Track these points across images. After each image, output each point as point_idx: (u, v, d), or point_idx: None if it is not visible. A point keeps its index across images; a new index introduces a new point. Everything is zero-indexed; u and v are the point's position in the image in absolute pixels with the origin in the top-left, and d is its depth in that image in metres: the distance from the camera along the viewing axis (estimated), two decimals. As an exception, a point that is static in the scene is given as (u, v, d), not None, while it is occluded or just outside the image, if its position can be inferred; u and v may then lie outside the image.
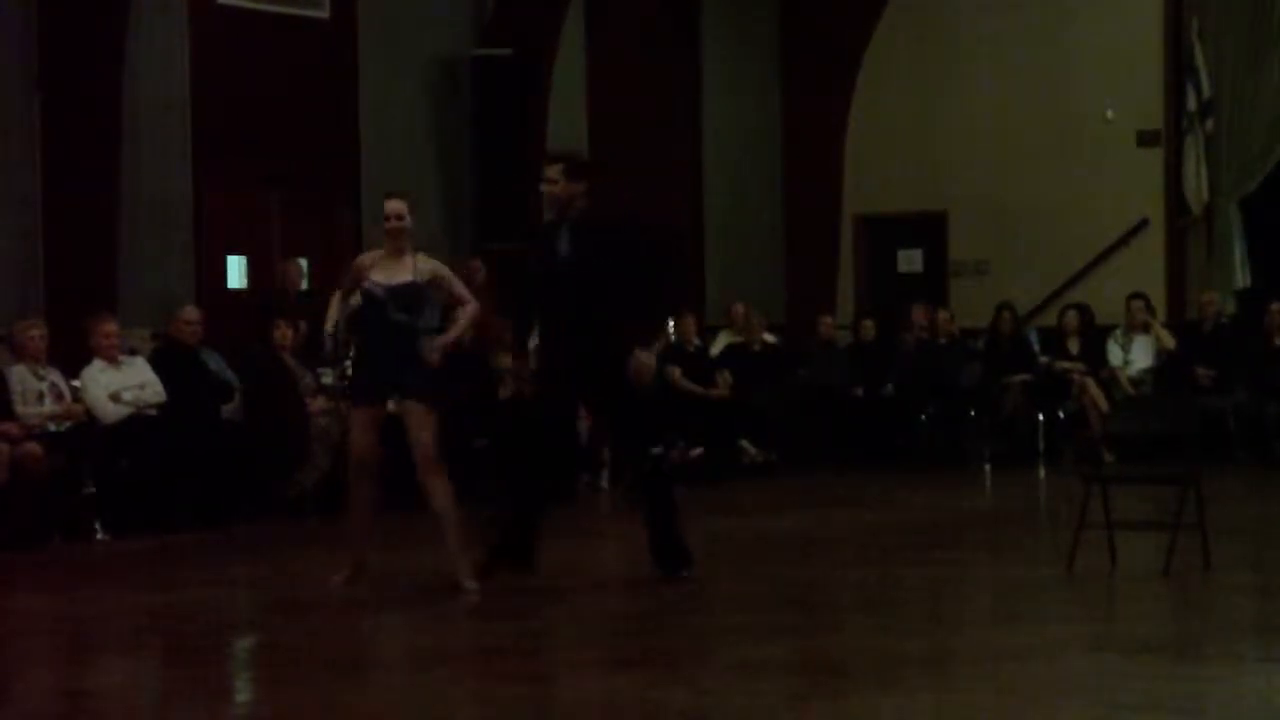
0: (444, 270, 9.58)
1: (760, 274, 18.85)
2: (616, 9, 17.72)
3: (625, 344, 9.52)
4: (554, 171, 9.65)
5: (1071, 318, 17.24)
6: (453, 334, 9.64)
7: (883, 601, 9.51)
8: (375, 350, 9.47)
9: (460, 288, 9.68)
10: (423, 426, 9.38)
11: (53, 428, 12.12)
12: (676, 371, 15.91)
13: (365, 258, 9.60)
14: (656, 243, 9.78)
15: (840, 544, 11.87)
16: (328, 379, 13.80)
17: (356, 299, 9.55)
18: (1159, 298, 17.70)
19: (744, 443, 15.91)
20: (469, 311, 9.62)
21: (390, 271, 9.42)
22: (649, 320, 9.92)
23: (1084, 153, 18.31)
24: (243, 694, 7.65)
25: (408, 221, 9.47)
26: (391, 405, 9.93)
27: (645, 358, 9.62)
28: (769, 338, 17.29)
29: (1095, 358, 16.95)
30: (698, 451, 15.46)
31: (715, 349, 16.93)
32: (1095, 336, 17.17)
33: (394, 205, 9.51)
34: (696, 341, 16.43)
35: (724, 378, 16.22)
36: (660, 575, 9.66)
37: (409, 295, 9.38)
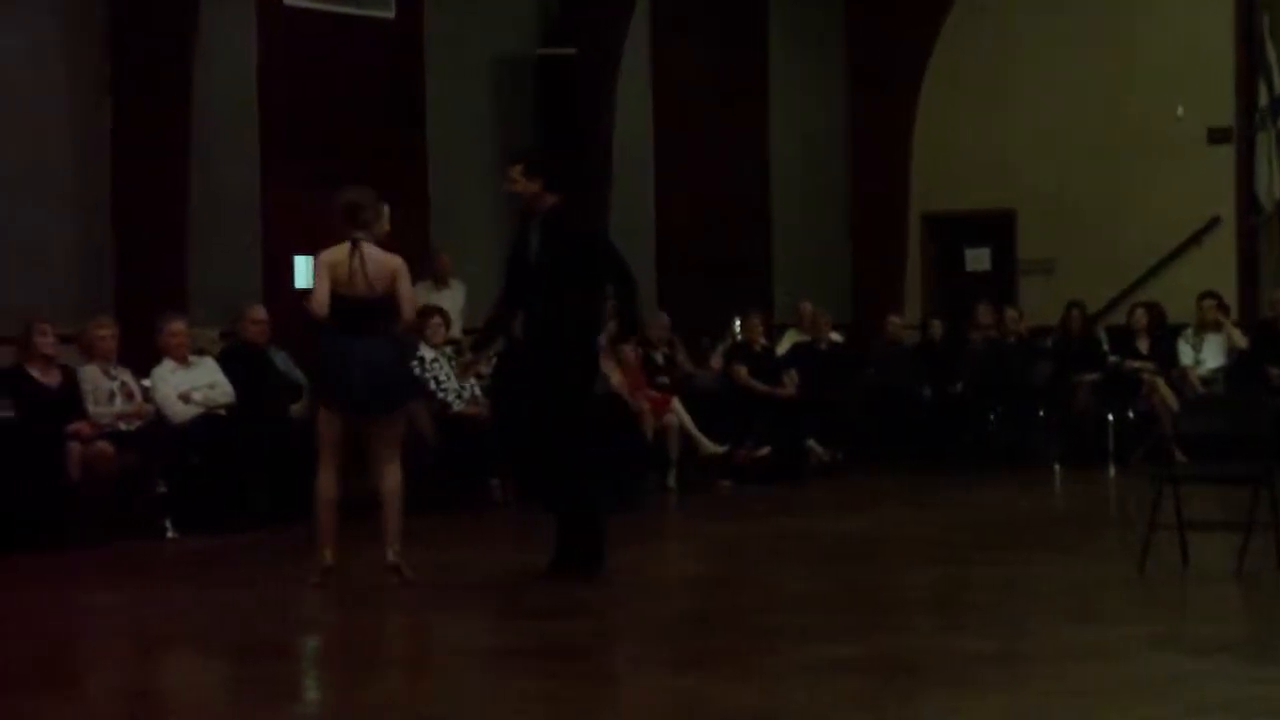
0: None
1: (827, 273, 18.80)
2: (682, 7, 17.70)
3: (582, 341, 9.76)
4: (515, 171, 9.85)
5: (1140, 316, 17.10)
6: None
7: (952, 601, 9.46)
8: None
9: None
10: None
11: (123, 427, 12.21)
12: (743, 371, 15.88)
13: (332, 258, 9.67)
14: (613, 251, 10.00)
15: (909, 543, 11.82)
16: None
17: None
18: (1230, 296, 17.53)
19: (811, 442, 15.86)
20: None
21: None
22: (627, 315, 10.30)
23: (1154, 150, 18.17)
24: (311, 692, 7.67)
25: None
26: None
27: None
28: (836, 337, 17.23)
29: (1166, 357, 16.81)
30: (765, 451, 15.42)
31: (782, 348, 16.89)
32: (1166, 335, 17.03)
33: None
34: (763, 341, 16.39)
35: (791, 377, 16.17)
36: (551, 572, 9.63)
37: None
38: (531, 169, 9.84)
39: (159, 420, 12.42)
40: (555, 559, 9.75)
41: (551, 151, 16.10)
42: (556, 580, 9.57)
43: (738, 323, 16.35)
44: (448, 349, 14.04)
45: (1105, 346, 17.31)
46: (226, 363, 12.99)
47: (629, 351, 11.80)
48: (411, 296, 9.82)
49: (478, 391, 13.91)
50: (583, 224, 10.07)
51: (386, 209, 9.76)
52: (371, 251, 9.54)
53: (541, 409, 9.65)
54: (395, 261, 9.58)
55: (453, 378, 13.81)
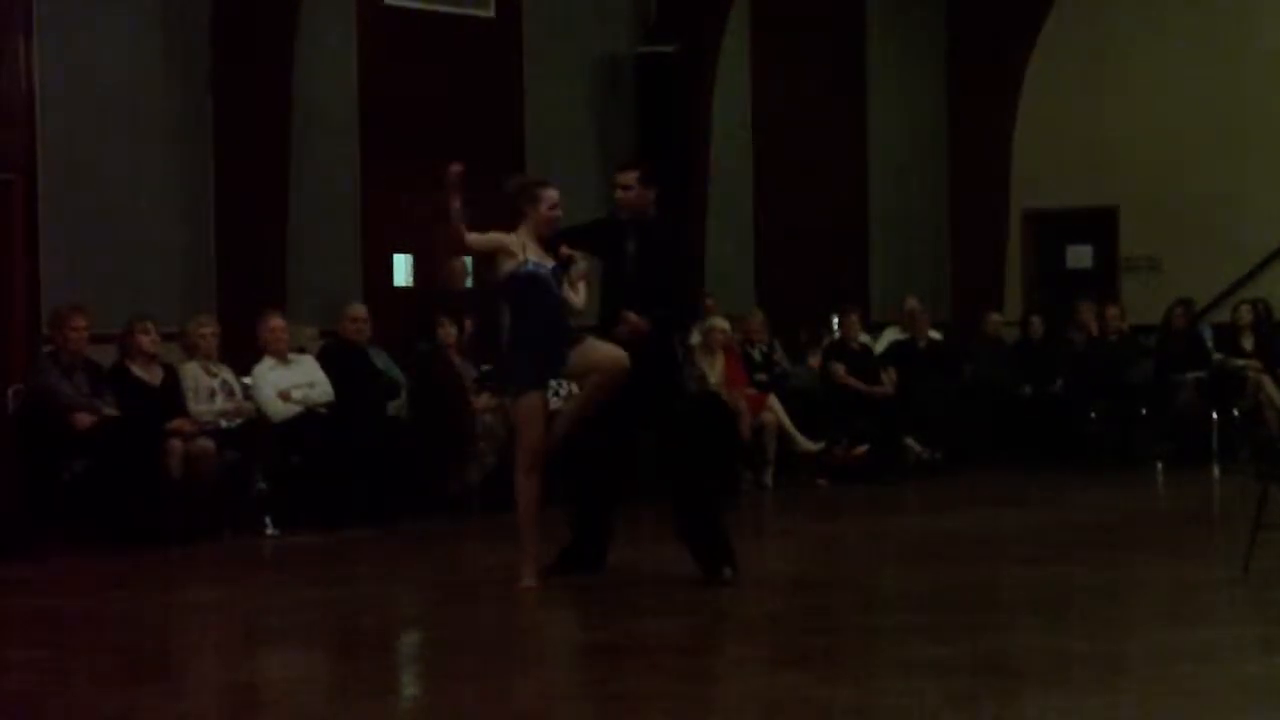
0: None
1: (926, 270, 18.69)
2: (781, 4, 17.65)
3: (671, 347, 9.74)
4: (629, 177, 9.74)
5: (1244, 313, 16.89)
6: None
7: (1052, 601, 9.37)
8: (545, 331, 9.34)
9: None
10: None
11: (224, 424, 12.31)
12: (841, 368, 15.82)
13: (512, 239, 9.43)
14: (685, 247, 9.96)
15: (1008, 543, 11.72)
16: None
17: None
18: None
19: (909, 440, 15.77)
20: None
21: (541, 255, 9.42)
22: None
23: (1260, 144, 17.93)
24: (410, 687, 7.70)
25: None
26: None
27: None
28: (935, 334, 17.13)
29: (1271, 354, 16.58)
30: (862, 449, 15.35)
31: (880, 346, 16.81)
32: (1272, 332, 16.80)
33: (556, 194, 9.53)
34: (862, 338, 16.31)
35: (889, 375, 16.10)
36: (702, 577, 9.43)
37: (557, 279, 9.45)
38: (648, 177, 9.76)
39: (259, 418, 12.52)
40: (699, 565, 9.56)
41: (650, 149, 16.16)
42: (710, 584, 9.43)
43: (836, 320, 16.29)
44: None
45: (1209, 344, 17.10)
46: (326, 361, 13.07)
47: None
48: None
49: (575, 389, 13.90)
50: (678, 231, 10.01)
51: (546, 194, 9.48)
52: (529, 244, 9.39)
53: (649, 414, 9.57)
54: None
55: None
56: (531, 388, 9.38)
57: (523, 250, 9.36)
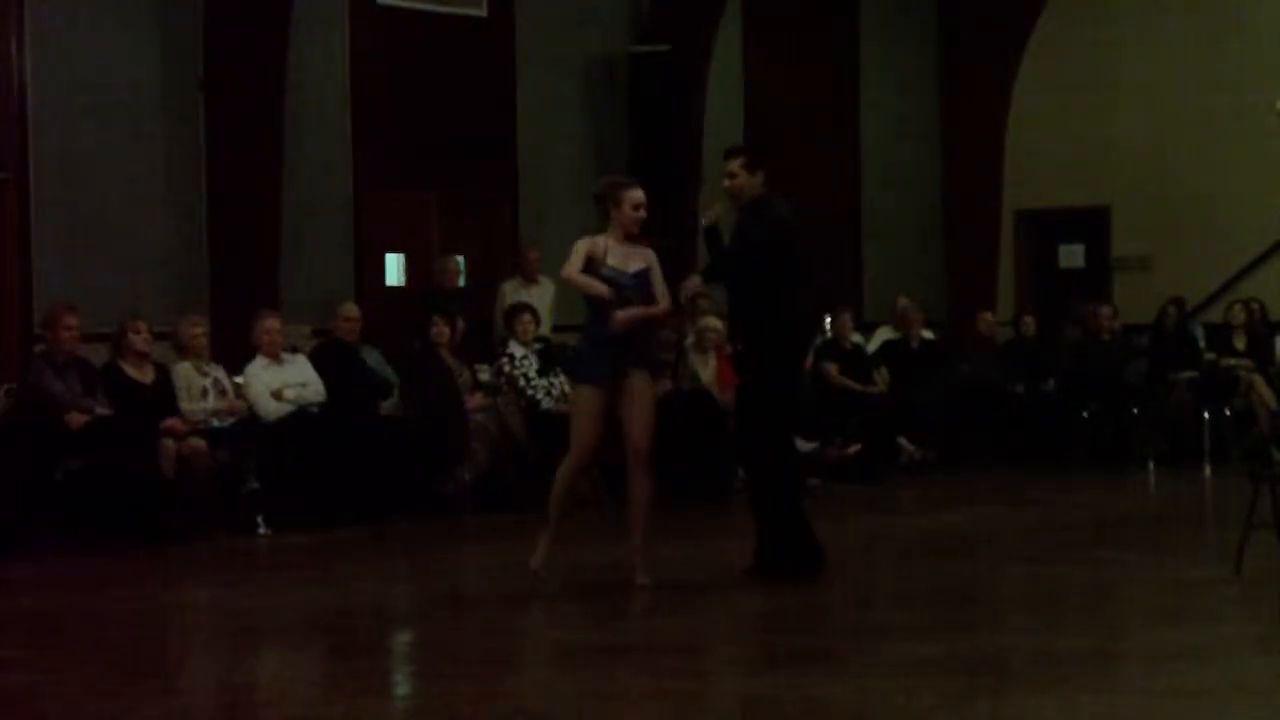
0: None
1: (919, 270, 18.70)
2: (774, 4, 17.65)
3: (773, 339, 9.51)
4: (734, 165, 9.62)
5: (1238, 312, 16.91)
6: (639, 313, 9.34)
7: (1045, 600, 9.38)
8: (613, 335, 9.28)
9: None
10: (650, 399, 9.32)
11: (216, 424, 12.30)
12: (833, 368, 15.82)
13: (597, 241, 9.34)
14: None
15: (1001, 542, 11.73)
16: (485, 375, 13.90)
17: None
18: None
19: (902, 440, 15.78)
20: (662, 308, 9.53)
21: (624, 258, 9.35)
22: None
23: (1253, 144, 17.94)
24: (402, 687, 7.70)
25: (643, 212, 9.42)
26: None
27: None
28: (927, 334, 17.14)
29: (1264, 354, 16.60)
30: (855, 448, 15.35)
31: (873, 345, 16.81)
32: (1265, 332, 16.82)
33: (640, 194, 9.41)
34: (855, 338, 16.32)
35: (881, 374, 16.10)
36: (750, 572, 9.42)
37: (644, 283, 9.37)
38: (755, 162, 9.64)
39: (252, 417, 12.51)
40: (756, 559, 9.54)
41: (642, 149, 16.17)
42: (761, 581, 9.40)
43: (828, 320, 16.29)
44: (537, 346, 14.06)
45: (1201, 343, 17.12)
46: (318, 360, 13.06)
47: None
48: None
49: (567, 389, 13.90)
50: (777, 217, 9.81)
51: (629, 194, 9.34)
52: (611, 245, 9.31)
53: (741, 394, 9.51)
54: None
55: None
56: (588, 383, 9.30)
57: (604, 253, 9.30)
